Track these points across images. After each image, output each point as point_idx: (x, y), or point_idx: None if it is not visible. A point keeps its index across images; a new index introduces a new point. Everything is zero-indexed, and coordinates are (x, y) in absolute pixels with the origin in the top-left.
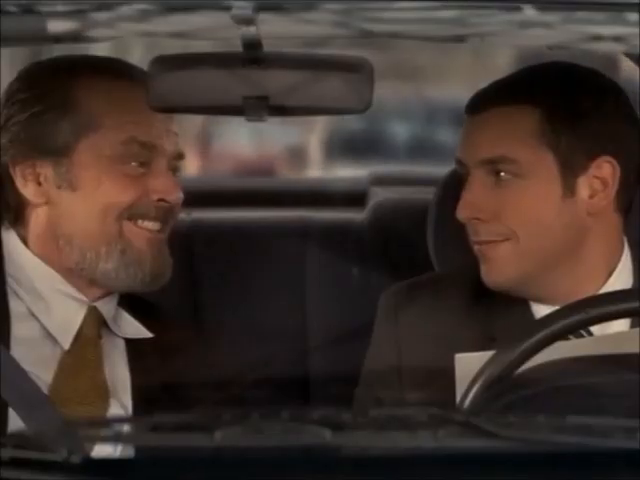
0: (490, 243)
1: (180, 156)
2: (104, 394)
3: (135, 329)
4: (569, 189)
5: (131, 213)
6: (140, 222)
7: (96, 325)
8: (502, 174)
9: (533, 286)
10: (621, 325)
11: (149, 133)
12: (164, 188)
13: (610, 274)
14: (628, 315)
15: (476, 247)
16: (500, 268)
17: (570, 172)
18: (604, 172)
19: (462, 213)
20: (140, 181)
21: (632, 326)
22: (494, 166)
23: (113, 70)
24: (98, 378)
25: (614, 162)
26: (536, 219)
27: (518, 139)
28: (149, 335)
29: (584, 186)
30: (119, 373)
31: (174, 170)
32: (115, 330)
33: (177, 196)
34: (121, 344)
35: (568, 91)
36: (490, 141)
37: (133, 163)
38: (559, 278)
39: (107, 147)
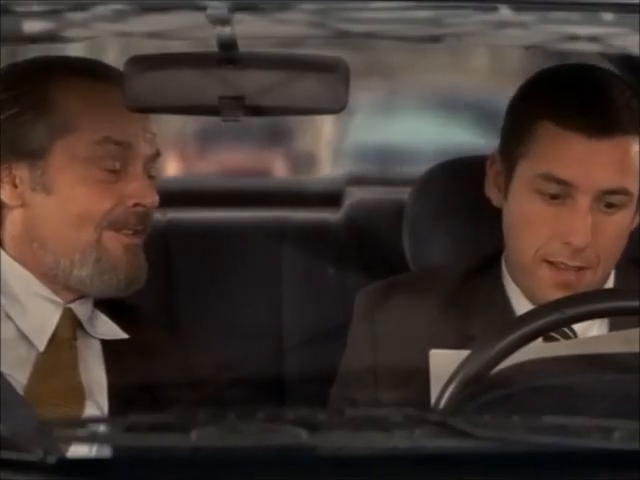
0: (579, 270)
1: (157, 157)
2: (80, 395)
3: (110, 330)
4: (636, 210)
5: (109, 222)
6: (119, 230)
7: (71, 326)
8: (612, 204)
9: None
10: (598, 327)
11: (124, 133)
12: (140, 192)
13: None
14: (605, 315)
15: (556, 269)
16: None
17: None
18: None
19: (580, 240)
20: (116, 187)
21: (611, 329)
22: (608, 196)
23: (89, 71)
24: (73, 379)
25: None
26: (619, 248)
27: (634, 171)
28: (124, 336)
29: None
30: (95, 374)
31: (150, 172)
32: (90, 331)
33: (153, 199)
34: (97, 345)
35: None
36: (615, 171)
37: (109, 165)
38: None
39: (82, 148)
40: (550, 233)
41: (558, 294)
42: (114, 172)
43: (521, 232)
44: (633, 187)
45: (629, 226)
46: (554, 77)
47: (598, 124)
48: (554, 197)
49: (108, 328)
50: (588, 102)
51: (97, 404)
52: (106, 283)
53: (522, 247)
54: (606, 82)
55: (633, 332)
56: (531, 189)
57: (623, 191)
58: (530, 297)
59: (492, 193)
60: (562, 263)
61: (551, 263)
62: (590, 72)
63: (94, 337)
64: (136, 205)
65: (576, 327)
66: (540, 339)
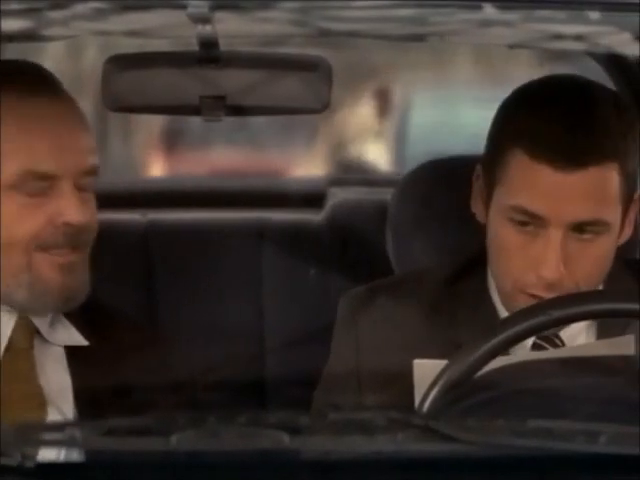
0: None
1: (92, 171)
2: (40, 403)
3: (71, 337)
4: (621, 227)
5: (38, 243)
6: (49, 251)
7: (27, 335)
8: (586, 234)
9: None
10: (585, 333)
11: (48, 161)
12: (68, 210)
13: None
14: (592, 317)
15: (534, 300)
16: None
17: (624, 215)
18: (637, 205)
19: (552, 274)
20: (42, 207)
21: (598, 336)
22: (581, 227)
23: (19, 87)
24: (32, 387)
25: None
26: (602, 272)
27: (611, 201)
28: (84, 343)
29: (629, 222)
30: (57, 380)
31: (83, 188)
32: (49, 338)
33: (84, 217)
34: (59, 351)
35: (627, 132)
36: (587, 204)
37: (32, 190)
38: None
39: (4, 179)
40: (525, 264)
41: None
42: (39, 195)
43: (499, 259)
44: (610, 217)
45: (613, 249)
46: (528, 99)
47: (568, 157)
48: (526, 224)
49: (69, 335)
50: (558, 132)
51: (60, 411)
52: (43, 304)
53: (501, 275)
54: (584, 103)
55: (621, 339)
56: (505, 217)
57: (598, 222)
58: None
59: (477, 209)
60: (539, 296)
61: (529, 294)
62: (570, 89)
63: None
64: (66, 224)
65: (563, 335)
66: (528, 348)
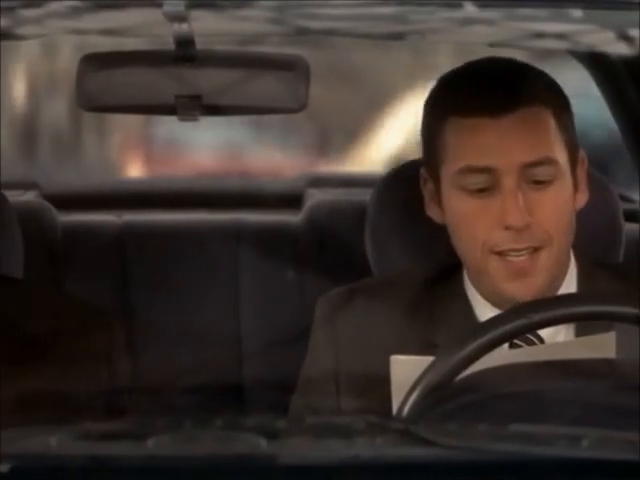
0: (531, 252)
1: None
2: None
3: None
4: (574, 185)
5: None
6: None
7: None
8: (539, 177)
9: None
10: (565, 333)
11: None
12: None
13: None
14: (572, 320)
15: (508, 259)
16: (534, 280)
17: (572, 169)
18: (585, 166)
19: (517, 219)
20: None
21: (577, 335)
22: (532, 170)
23: None
24: None
25: (583, 154)
26: (568, 221)
27: (552, 140)
28: None
29: (580, 183)
30: None
31: None
32: None
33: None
34: None
35: (551, 86)
36: (529, 144)
37: None
38: (554, 289)
39: None
40: (489, 224)
41: (516, 284)
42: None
43: (463, 233)
44: (556, 155)
45: (570, 200)
46: (452, 78)
47: (498, 101)
48: (482, 190)
49: None
50: (486, 85)
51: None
52: None
53: (469, 248)
54: (500, 65)
55: (599, 337)
56: (457, 189)
57: (546, 160)
58: (491, 296)
59: (432, 212)
60: (512, 250)
61: (500, 254)
62: (489, 63)
63: None
64: None
65: (543, 333)
66: (506, 346)
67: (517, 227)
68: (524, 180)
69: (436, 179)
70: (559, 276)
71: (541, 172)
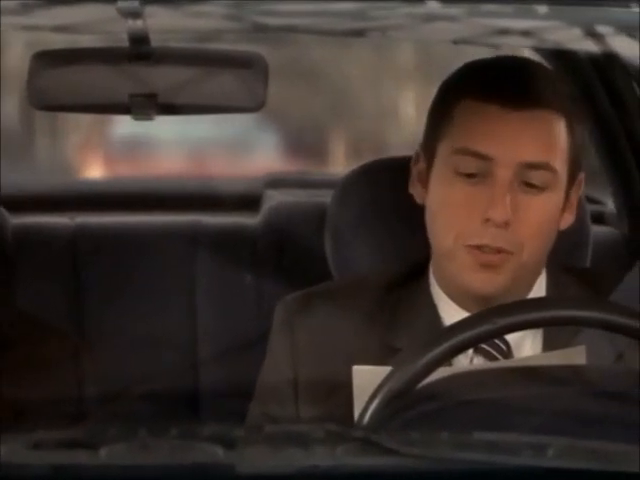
0: (501, 252)
1: None
2: None
3: None
4: (564, 203)
5: None
6: None
7: None
8: (533, 181)
9: (501, 299)
10: (532, 340)
11: None
12: None
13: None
14: (537, 325)
15: (478, 252)
16: (499, 277)
17: (569, 186)
18: (580, 189)
19: (499, 214)
20: None
21: (545, 343)
22: (529, 171)
23: None
24: None
25: (582, 178)
26: (546, 234)
27: (557, 148)
28: None
29: (571, 205)
30: None
31: None
32: None
33: None
34: None
35: (571, 98)
36: (535, 144)
37: None
38: (522, 295)
39: None
40: (469, 213)
41: (481, 276)
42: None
43: (441, 218)
44: (557, 164)
45: (557, 216)
46: (475, 65)
47: (517, 96)
48: (472, 176)
49: None
50: (507, 76)
51: None
52: None
53: (442, 234)
54: (529, 64)
55: (572, 350)
56: (450, 170)
57: (545, 166)
58: (454, 291)
59: (415, 189)
60: (484, 245)
61: (472, 247)
62: (514, 60)
63: None
64: None
65: (509, 338)
66: (472, 353)
67: (497, 222)
68: (517, 179)
69: (430, 158)
70: (525, 281)
71: (537, 176)
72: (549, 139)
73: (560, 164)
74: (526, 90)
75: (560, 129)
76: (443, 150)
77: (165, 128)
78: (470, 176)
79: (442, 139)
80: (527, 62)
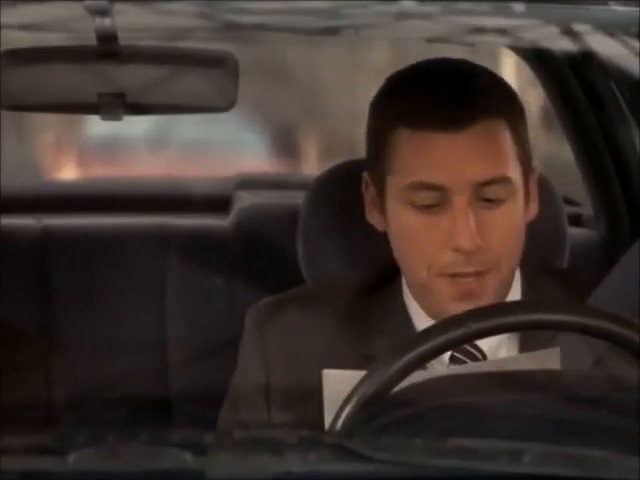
0: (479, 275)
1: None
2: None
3: None
4: (525, 198)
5: None
6: None
7: None
8: (491, 196)
9: None
10: (507, 346)
11: None
12: None
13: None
14: (513, 329)
15: (455, 281)
16: (481, 302)
17: (525, 182)
18: (536, 176)
19: (468, 242)
20: None
21: (521, 348)
22: (484, 188)
23: None
24: None
25: (535, 165)
26: (518, 241)
27: (506, 156)
28: None
29: (532, 196)
30: None
31: None
32: None
33: None
34: None
35: (508, 95)
36: (484, 161)
37: None
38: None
39: None
40: (437, 244)
41: (462, 307)
42: None
43: (408, 251)
44: (510, 172)
45: (522, 217)
46: (401, 81)
47: (452, 116)
48: (431, 206)
49: None
50: (437, 96)
51: None
52: None
53: (414, 266)
54: (459, 72)
55: (546, 352)
56: (405, 203)
57: (500, 179)
58: (433, 313)
59: (373, 218)
60: (459, 274)
61: (448, 276)
62: (441, 66)
63: None
64: None
65: (485, 347)
66: (447, 362)
67: (467, 250)
68: (475, 198)
69: (380, 187)
70: (504, 289)
71: (494, 191)
72: (496, 150)
73: (513, 170)
74: (460, 105)
75: (503, 134)
76: (393, 185)
77: (136, 128)
78: (429, 207)
79: (389, 172)
80: (451, 67)
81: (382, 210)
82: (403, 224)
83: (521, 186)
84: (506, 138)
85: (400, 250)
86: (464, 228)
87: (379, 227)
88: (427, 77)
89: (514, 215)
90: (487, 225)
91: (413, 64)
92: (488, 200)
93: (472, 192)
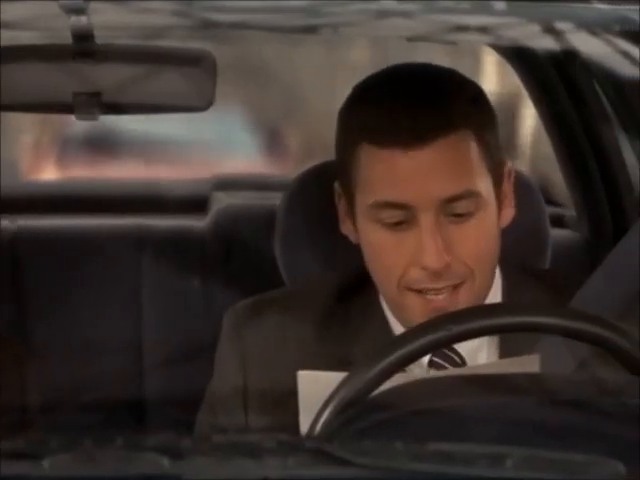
0: (450, 290)
1: None
2: None
3: None
4: (498, 203)
5: None
6: None
7: None
8: (459, 211)
9: None
10: (487, 350)
11: None
12: None
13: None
14: (494, 331)
15: (425, 297)
16: None
17: (497, 189)
18: (512, 178)
19: (434, 262)
20: None
21: (501, 352)
22: (451, 204)
23: None
24: None
25: (511, 166)
26: (491, 251)
27: (473, 170)
28: None
29: (506, 202)
30: None
31: None
32: None
33: None
34: None
35: (475, 101)
36: (448, 178)
37: None
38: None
39: None
40: (405, 260)
41: None
42: None
43: (378, 264)
44: (478, 186)
45: (494, 226)
46: (364, 93)
47: (413, 133)
48: (399, 224)
49: None
50: (399, 112)
51: None
52: None
53: (384, 281)
54: (423, 81)
55: (525, 359)
56: (372, 220)
57: (467, 194)
58: (407, 325)
59: (347, 229)
60: (430, 289)
61: (418, 291)
62: (405, 74)
63: None
64: None
65: (464, 351)
66: (425, 366)
67: (434, 269)
68: (443, 214)
69: (350, 201)
70: (483, 294)
71: (461, 206)
72: (461, 164)
73: (481, 181)
74: (424, 119)
75: (469, 146)
76: (361, 202)
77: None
78: (396, 224)
79: (355, 189)
80: (416, 75)
81: (354, 222)
82: (372, 240)
83: (492, 196)
84: (472, 149)
85: (370, 264)
86: (430, 247)
87: (353, 239)
88: (390, 88)
89: (485, 226)
90: (456, 240)
91: (378, 72)
92: (457, 215)
93: (438, 209)
